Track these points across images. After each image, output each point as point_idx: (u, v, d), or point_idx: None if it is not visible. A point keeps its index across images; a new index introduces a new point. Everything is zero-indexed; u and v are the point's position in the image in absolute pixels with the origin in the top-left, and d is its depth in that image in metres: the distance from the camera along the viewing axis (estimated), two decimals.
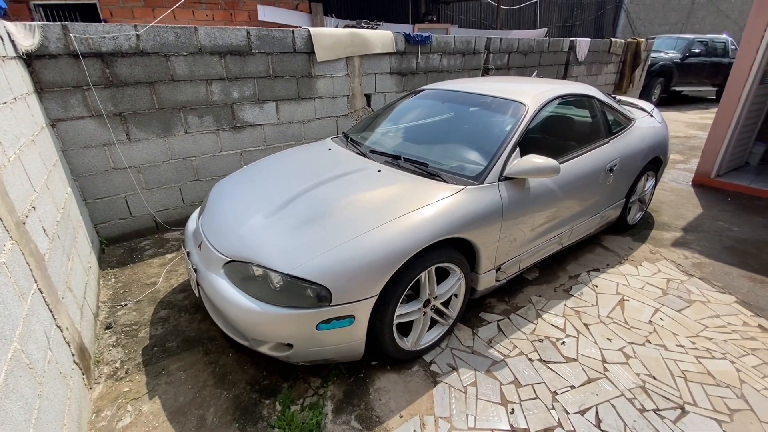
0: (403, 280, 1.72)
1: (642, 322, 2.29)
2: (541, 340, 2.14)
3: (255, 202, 2.06)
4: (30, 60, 2.46)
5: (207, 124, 3.30)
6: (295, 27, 3.89)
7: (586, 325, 2.26)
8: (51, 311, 1.60)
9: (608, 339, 2.16)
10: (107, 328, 2.23)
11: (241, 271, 1.73)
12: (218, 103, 3.29)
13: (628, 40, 7.54)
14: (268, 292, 1.63)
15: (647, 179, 3.31)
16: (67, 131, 2.72)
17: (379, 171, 2.18)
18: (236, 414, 1.71)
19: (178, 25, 2.93)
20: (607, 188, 2.74)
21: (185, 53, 3.01)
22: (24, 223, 1.58)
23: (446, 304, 2.10)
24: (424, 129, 2.67)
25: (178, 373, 1.93)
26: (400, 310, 1.80)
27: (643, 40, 7.67)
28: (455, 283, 2.01)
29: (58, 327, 1.63)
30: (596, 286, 2.63)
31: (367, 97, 4.25)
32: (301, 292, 1.58)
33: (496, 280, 2.26)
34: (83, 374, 1.76)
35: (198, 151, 3.33)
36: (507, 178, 2.10)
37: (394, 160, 2.30)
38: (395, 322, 1.80)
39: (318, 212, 1.84)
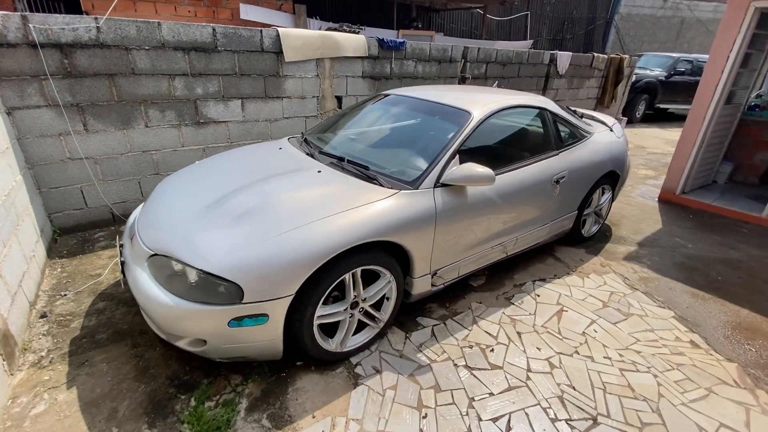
0: (324, 281, 1.74)
1: (575, 333, 2.32)
2: (471, 347, 2.17)
3: (190, 198, 2.07)
4: None
5: (169, 118, 3.31)
6: (278, 27, 3.91)
7: (519, 334, 2.29)
8: None
9: (537, 348, 2.18)
10: (42, 316, 2.23)
11: (163, 266, 1.74)
12: (181, 98, 3.30)
13: (611, 55, 7.64)
14: (185, 288, 1.64)
15: (603, 193, 3.36)
16: (23, 119, 2.73)
17: (319, 172, 2.20)
18: (149, 408, 1.72)
19: (140, 19, 2.95)
20: (554, 199, 2.78)
21: (147, 47, 3.02)
22: None
23: (378, 306, 2.12)
24: (375, 133, 2.70)
25: (101, 364, 1.93)
26: (321, 311, 1.82)
27: (626, 56, 7.77)
28: (384, 287, 2.03)
29: None
30: (538, 296, 2.66)
31: (339, 99, 4.28)
32: (213, 288, 1.60)
33: (433, 285, 2.28)
34: (3, 360, 1.76)
35: (158, 145, 3.34)
36: (444, 185, 2.13)
37: (339, 161, 2.32)
38: (317, 322, 1.82)
39: (246, 210, 1.85)
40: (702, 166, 4.60)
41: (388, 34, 7.37)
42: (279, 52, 3.68)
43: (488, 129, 2.56)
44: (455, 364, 2.04)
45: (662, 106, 9.80)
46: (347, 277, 1.84)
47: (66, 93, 2.82)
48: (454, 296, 2.60)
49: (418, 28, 8.01)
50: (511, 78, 6.07)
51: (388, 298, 2.11)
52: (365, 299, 1.98)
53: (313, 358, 1.95)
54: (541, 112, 2.84)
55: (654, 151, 7.07)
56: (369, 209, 1.87)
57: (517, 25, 10.94)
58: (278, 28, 3.63)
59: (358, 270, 1.86)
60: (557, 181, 2.70)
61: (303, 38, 3.75)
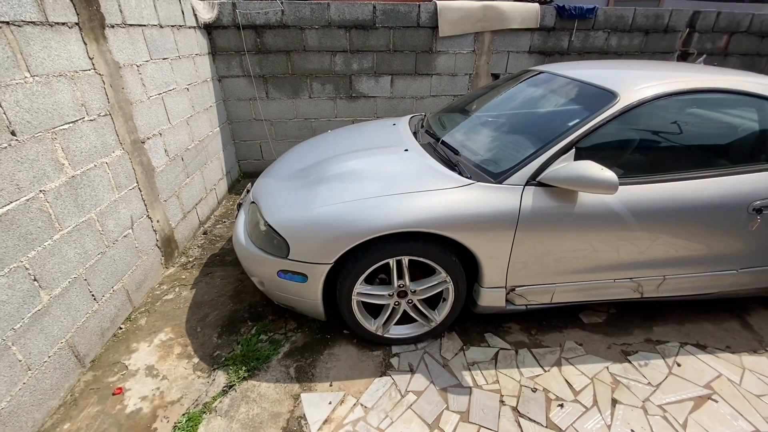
0: (364, 259, 1.69)
1: None
2: (534, 390, 1.73)
3: (295, 160, 2.33)
4: (210, 29, 3.34)
5: (327, 91, 3.75)
6: None
7: (615, 402, 1.68)
8: (146, 205, 2.30)
9: (632, 431, 1.56)
10: (204, 233, 3.00)
11: (253, 212, 2.04)
12: (339, 73, 3.68)
13: None
14: (257, 234, 1.89)
15: None
16: (227, 86, 3.61)
17: (406, 150, 2.09)
18: (225, 322, 2.11)
19: (314, 1, 3.38)
20: (749, 236, 1.82)
21: (317, 26, 3.46)
22: (143, 142, 2.30)
23: (435, 304, 1.93)
24: (493, 116, 2.34)
25: (218, 279, 2.47)
26: (362, 288, 1.79)
27: None
28: (438, 285, 1.82)
29: (149, 218, 2.34)
30: (678, 365, 1.86)
31: (495, 77, 3.90)
32: (271, 239, 1.78)
33: (508, 302, 1.90)
34: (162, 256, 2.48)
35: (317, 114, 3.85)
36: (542, 184, 1.70)
37: (436, 143, 2.15)
38: (357, 298, 1.81)
39: (322, 177, 1.96)
40: None
41: (597, 2, 6.12)
42: (435, 27, 3.59)
43: (652, 120, 1.87)
44: (502, 401, 1.68)
45: None
46: (391, 262, 1.73)
47: (256, 66, 3.55)
48: (547, 325, 2.11)
49: None
50: None
51: (444, 299, 1.89)
52: (415, 291, 1.83)
53: (355, 333, 1.96)
54: (761, 103, 1.85)
55: None
56: (428, 197, 1.68)
57: None
58: (437, 2, 3.52)
59: (405, 258, 1.72)
60: (758, 210, 1.75)
61: (462, 11, 3.52)
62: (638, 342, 2.00)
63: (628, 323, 2.12)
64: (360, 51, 3.60)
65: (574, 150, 1.70)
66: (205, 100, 3.22)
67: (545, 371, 1.83)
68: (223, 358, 1.88)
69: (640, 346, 1.98)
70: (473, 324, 2.10)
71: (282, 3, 3.31)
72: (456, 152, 1.99)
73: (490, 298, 1.87)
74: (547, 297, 1.92)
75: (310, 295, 1.80)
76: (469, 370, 1.83)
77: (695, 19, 3.86)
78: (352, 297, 1.79)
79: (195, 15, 3.08)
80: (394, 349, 1.95)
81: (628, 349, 1.96)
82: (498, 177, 1.73)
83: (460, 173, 1.80)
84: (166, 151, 2.56)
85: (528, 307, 1.94)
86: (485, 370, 1.84)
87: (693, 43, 3.95)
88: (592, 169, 1.57)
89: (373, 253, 1.69)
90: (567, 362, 1.88)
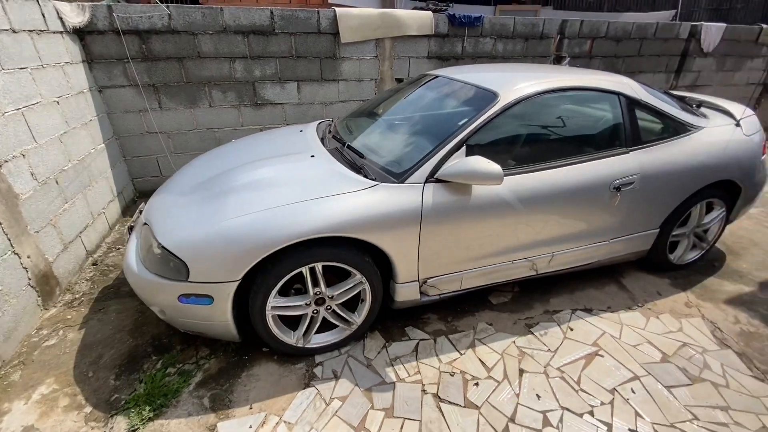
0: (274, 271, 1.64)
1: (601, 387, 1.77)
2: (452, 374, 1.83)
3: (193, 174, 2.18)
4: (82, 35, 2.97)
5: (230, 99, 3.56)
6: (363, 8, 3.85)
7: (522, 372, 1.85)
8: (9, 240, 1.96)
9: (537, 395, 1.73)
10: (94, 264, 2.64)
11: (145, 234, 1.85)
12: (241, 80, 3.52)
13: None
14: (152, 259, 1.71)
15: (709, 209, 2.49)
16: (111, 97, 3.24)
17: (312, 156, 2.08)
18: (124, 361, 1.88)
19: (205, 6, 3.19)
20: (614, 211, 2.14)
21: (211, 32, 3.27)
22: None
23: (353, 307, 1.94)
24: (396, 119, 2.43)
25: (112, 314, 2.19)
26: (276, 302, 1.72)
27: None
28: (354, 287, 1.83)
29: (16, 254, 1.99)
30: (571, 329, 2.12)
31: (399, 81, 4.05)
32: (167, 262, 1.63)
33: (423, 294, 1.99)
34: (39, 296, 2.13)
35: (221, 124, 3.64)
36: (440, 180, 1.80)
37: (342, 147, 2.17)
38: (272, 313, 1.74)
39: (220, 190, 1.85)
40: None
41: (484, 11, 6.73)
42: (336, 33, 3.62)
43: (527, 116, 2.08)
44: (424, 390, 1.75)
45: None
46: (305, 271, 1.70)
47: (144, 75, 3.24)
48: (462, 311, 2.24)
49: (520, 2, 7.10)
50: (629, 57, 4.96)
51: (363, 300, 1.91)
52: (332, 297, 1.82)
53: (272, 348, 1.89)
54: (611, 97, 2.18)
55: None
56: (336, 201, 1.69)
57: None
58: (336, 8, 3.56)
59: (318, 265, 1.71)
60: (618, 188, 2.07)
61: (361, 18, 3.61)
62: (539, 314, 2.23)
63: (529, 299, 2.35)
64: (261, 57, 3.49)
65: (465, 147, 1.84)
66: (82, 114, 2.85)
67: (461, 354, 1.95)
68: (123, 401, 1.67)
69: (540, 318, 2.20)
70: (394, 320, 2.15)
71: (168, 7, 3.06)
72: (361, 155, 2.02)
73: (406, 292, 1.94)
74: (456, 284, 2.04)
75: (219, 317, 1.69)
76: (392, 365, 1.88)
77: (564, 27, 4.44)
78: (267, 312, 1.72)
79: (61, 19, 2.71)
80: (318, 359, 1.91)
81: (530, 322, 2.17)
82: (400, 177, 1.80)
83: (365, 176, 1.84)
84: (33, 174, 2.20)
85: (441, 296, 2.04)
86: (407, 363, 1.89)
87: (564, 48, 4.54)
88: (480, 163, 1.71)
89: (284, 264, 1.64)
90: (480, 342, 2.02)
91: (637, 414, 1.65)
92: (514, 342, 2.03)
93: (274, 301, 1.71)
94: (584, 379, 1.82)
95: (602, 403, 1.70)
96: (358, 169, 1.90)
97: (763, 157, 2.54)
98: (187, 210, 1.79)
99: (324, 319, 1.88)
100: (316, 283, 1.77)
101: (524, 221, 1.96)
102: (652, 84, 5.20)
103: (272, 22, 3.39)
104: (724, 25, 5.16)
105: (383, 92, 3.01)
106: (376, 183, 1.78)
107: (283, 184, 1.82)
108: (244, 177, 1.92)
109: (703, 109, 2.70)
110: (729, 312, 2.27)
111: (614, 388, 1.77)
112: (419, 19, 3.81)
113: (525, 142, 2.10)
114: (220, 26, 3.27)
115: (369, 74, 3.91)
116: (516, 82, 2.04)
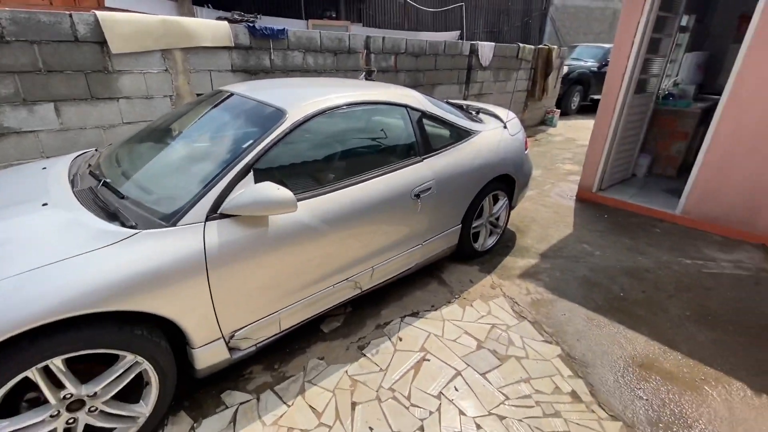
0: None
1: (429, 395, 1.79)
2: None
3: None
4: None
5: None
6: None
7: (354, 405, 1.73)
8: None
9: (369, 429, 1.63)
10: None
11: None
12: None
13: (539, 46, 7.36)
14: None
15: (495, 200, 2.89)
16: None
17: (45, 205, 1.53)
18: None
19: None
20: (420, 217, 2.25)
21: None
22: None
23: (137, 395, 1.49)
24: (173, 143, 2.04)
25: None
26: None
27: (555, 47, 7.51)
28: (128, 371, 1.40)
29: None
30: (401, 340, 2.13)
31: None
32: None
33: (234, 350, 1.68)
34: None
35: None
36: (226, 215, 1.53)
37: (99, 185, 1.67)
38: None
39: None
40: (618, 159, 4.29)
41: (297, 24, 6.71)
42: (104, 42, 2.94)
43: (320, 134, 1.98)
44: None
45: (596, 97, 9.73)
46: (33, 374, 1.20)
47: None
48: (291, 351, 2.02)
49: (331, 17, 7.37)
50: (428, 71, 5.58)
51: (147, 383, 1.48)
52: (95, 394, 1.35)
53: None
54: (400, 110, 2.29)
55: (584, 144, 6.83)
56: (70, 266, 1.23)
57: (452, 17, 10.54)
58: (97, 12, 2.88)
59: (56, 360, 1.22)
60: (418, 195, 2.17)
61: (135, 24, 3.02)
62: (370, 331, 2.18)
63: (361, 317, 2.29)
64: None
65: (252, 173, 1.61)
66: None
67: (289, 407, 1.71)
68: None
69: (372, 335, 2.15)
70: (208, 386, 1.78)
71: None
72: (121, 196, 1.58)
73: (209, 356, 1.59)
74: (274, 327, 1.80)
75: None
76: None
77: (369, 43, 4.69)
78: None
79: None
80: None
81: (362, 343, 2.09)
82: (171, 218, 1.45)
83: (122, 223, 1.42)
84: None
85: (258, 346, 1.77)
86: None
87: (372, 62, 4.80)
88: (268, 190, 1.51)
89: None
90: (311, 384, 1.83)
91: (460, 413, 1.71)
92: (347, 372, 1.90)
93: None
94: (414, 392, 1.81)
95: (431, 413, 1.70)
96: (112, 214, 1.47)
97: (526, 152, 3.09)
98: None
99: (88, 425, 1.38)
100: (60, 385, 1.27)
101: (335, 242, 1.85)
102: (449, 94, 6.05)
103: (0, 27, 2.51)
104: (494, 44, 6.35)
105: (167, 113, 2.54)
106: (136, 231, 1.38)
107: (7, 247, 1.25)
108: None
109: (481, 115, 3.13)
110: (522, 285, 2.66)
111: (440, 392, 1.81)
112: (214, 30, 3.43)
113: (322, 161, 2.00)
114: None
115: (160, 90, 3.32)
116: (305, 98, 1.92)
